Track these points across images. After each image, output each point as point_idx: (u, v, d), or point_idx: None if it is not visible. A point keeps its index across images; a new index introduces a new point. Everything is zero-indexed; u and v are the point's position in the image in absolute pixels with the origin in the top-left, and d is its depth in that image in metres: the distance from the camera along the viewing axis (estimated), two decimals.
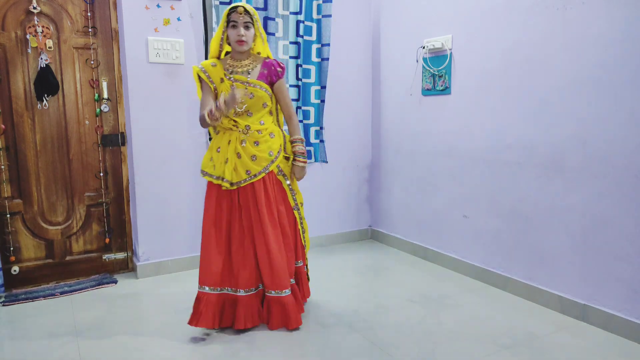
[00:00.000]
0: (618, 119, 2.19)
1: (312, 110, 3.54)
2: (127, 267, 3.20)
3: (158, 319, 2.48)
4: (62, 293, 2.80)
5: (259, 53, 2.38)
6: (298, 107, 3.47)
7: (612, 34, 2.19)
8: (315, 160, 3.61)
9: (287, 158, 2.40)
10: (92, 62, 2.94)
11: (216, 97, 2.27)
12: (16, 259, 2.86)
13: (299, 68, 3.42)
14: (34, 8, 2.74)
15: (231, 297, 2.31)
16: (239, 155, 2.24)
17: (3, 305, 2.64)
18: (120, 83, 3.02)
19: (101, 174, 3.05)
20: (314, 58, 3.49)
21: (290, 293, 2.32)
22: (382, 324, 2.38)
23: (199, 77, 2.30)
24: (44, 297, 2.74)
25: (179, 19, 2.99)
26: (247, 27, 2.21)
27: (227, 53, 2.37)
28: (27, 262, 2.90)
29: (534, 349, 2.14)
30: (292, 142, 2.41)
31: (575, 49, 2.34)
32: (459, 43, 3.00)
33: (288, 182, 2.39)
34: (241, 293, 2.29)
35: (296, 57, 3.41)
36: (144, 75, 2.94)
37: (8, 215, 2.82)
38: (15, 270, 2.86)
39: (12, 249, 2.84)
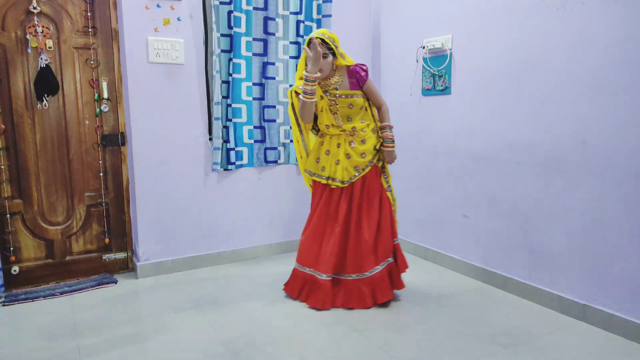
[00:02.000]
0: (618, 119, 2.19)
1: None
2: (127, 267, 3.20)
3: (158, 319, 2.48)
4: (62, 293, 2.80)
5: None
6: None
7: (611, 33, 2.19)
8: None
9: (374, 148, 2.65)
10: (92, 62, 2.94)
11: (315, 110, 2.59)
12: (16, 259, 2.86)
13: None
14: (34, 8, 2.74)
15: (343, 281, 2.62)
16: (348, 156, 2.58)
17: (3, 305, 2.64)
18: (120, 83, 3.02)
19: (101, 174, 3.05)
20: None
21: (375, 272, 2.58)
22: (382, 324, 2.39)
23: (298, 93, 2.57)
24: (44, 297, 2.74)
25: (179, 19, 2.99)
26: (324, 56, 2.47)
27: None
28: (27, 262, 2.90)
29: (533, 348, 2.14)
30: (381, 128, 2.65)
31: (575, 49, 2.34)
32: (459, 43, 3.00)
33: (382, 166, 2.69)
34: (352, 277, 2.60)
35: (296, 57, 3.41)
36: (144, 75, 2.94)
37: (8, 215, 2.82)
38: (15, 270, 2.86)
39: (12, 249, 2.84)
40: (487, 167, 2.87)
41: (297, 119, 2.67)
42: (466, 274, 3.05)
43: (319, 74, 2.42)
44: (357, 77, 2.55)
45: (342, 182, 2.57)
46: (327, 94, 2.56)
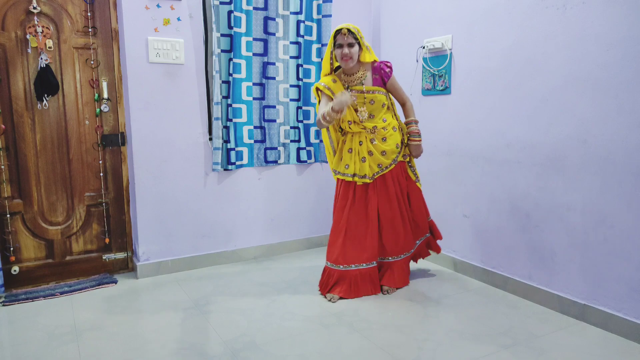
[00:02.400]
0: (618, 118, 2.19)
1: (312, 110, 3.54)
2: (127, 267, 3.20)
3: (158, 319, 2.48)
4: (62, 293, 2.80)
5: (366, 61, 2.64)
6: (299, 107, 3.48)
7: (612, 33, 2.19)
8: (316, 160, 3.61)
9: (402, 143, 2.74)
10: (92, 62, 2.94)
11: None
12: (16, 259, 2.86)
13: (300, 68, 3.42)
14: (34, 8, 2.74)
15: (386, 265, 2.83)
16: (370, 153, 2.64)
17: (3, 305, 2.64)
18: (120, 83, 3.02)
19: (101, 174, 3.05)
20: (314, 58, 3.49)
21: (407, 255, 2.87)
22: (382, 324, 2.39)
23: (320, 90, 2.65)
24: (44, 297, 2.74)
25: (179, 19, 2.99)
26: (350, 45, 2.52)
27: (337, 68, 2.72)
28: (27, 262, 2.90)
29: (533, 348, 2.14)
30: (407, 123, 2.76)
31: (576, 49, 2.34)
32: (459, 43, 3.00)
33: (409, 161, 2.80)
34: (395, 259, 2.82)
35: (297, 57, 3.41)
36: (144, 75, 2.94)
37: (8, 215, 2.82)
38: (15, 270, 2.86)
39: (12, 249, 2.84)
40: (487, 167, 2.87)
41: None
42: (466, 274, 3.05)
43: (338, 116, 2.42)
44: (382, 74, 2.61)
45: (369, 178, 2.64)
46: (349, 89, 2.61)
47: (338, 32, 2.52)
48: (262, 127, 3.37)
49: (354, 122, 2.63)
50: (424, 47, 3.22)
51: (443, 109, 3.15)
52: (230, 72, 3.12)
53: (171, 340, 2.23)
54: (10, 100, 2.76)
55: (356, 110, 2.62)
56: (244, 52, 3.17)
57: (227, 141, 3.19)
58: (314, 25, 3.44)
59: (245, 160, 3.30)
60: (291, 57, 3.40)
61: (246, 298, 2.73)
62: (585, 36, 2.30)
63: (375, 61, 2.65)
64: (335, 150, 2.79)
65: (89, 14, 2.90)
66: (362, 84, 2.60)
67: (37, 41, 2.76)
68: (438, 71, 3.15)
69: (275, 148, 3.43)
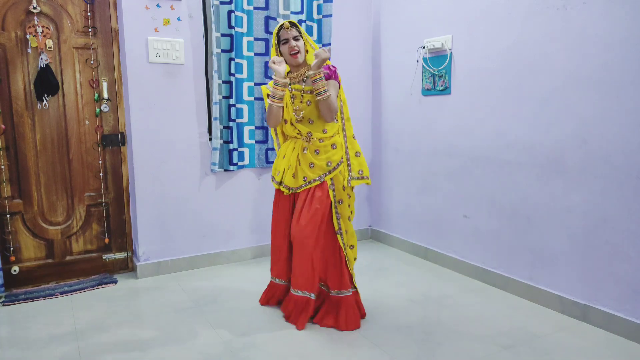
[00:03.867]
0: (619, 119, 2.19)
1: None
2: (127, 267, 3.20)
3: (158, 319, 2.47)
4: (62, 293, 2.80)
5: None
6: None
7: (612, 33, 2.19)
8: None
9: (343, 188, 2.37)
10: (92, 62, 2.94)
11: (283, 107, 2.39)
12: (16, 259, 2.86)
13: None
14: (34, 8, 2.74)
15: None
16: (299, 162, 2.36)
17: (3, 305, 2.64)
18: (120, 83, 3.02)
19: (101, 174, 3.05)
20: None
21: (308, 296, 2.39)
22: (382, 324, 2.38)
23: (267, 94, 2.39)
24: (44, 297, 2.74)
25: (179, 19, 2.99)
26: (296, 39, 2.30)
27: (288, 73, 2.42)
28: (27, 262, 2.90)
29: (534, 349, 2.13)
30: (312, 79, 2.26)
31: (576, 49, 2.34)
32: (459, 43, 3.00)
33: (336, 205, 2.36)
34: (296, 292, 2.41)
35: None
36: (144, 75, 2.94)
37: (8, 215, 2.82)
38: (15, 270, 2.86)
39: (12, 249, 2.84)
40: (487, 167, 2.86)
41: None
42: (466, 274, 3.05)
43: (287, 80, 2.29)
44: (325, 75, 2.30)
45: (289, 189, 2.37)
46: (290, 87, 2.36)
47: (280, 28, 2.31)
48: (263, 128, 3.37)
49: (290, 121, 2.37)
50: (424, 47, 3.22)
51: (443, 109, 3.15)
52: (232, 72, 3.12)
53: (171, 340, 2.23)
54: (10, 100, 2.76)
55: (295, 110, 2.36)
56: (245, 52, 3.17)
57: (229, 142, 3.19)
58: (315, 25, 3.44)
59: (246, 161, 3.30)
60: None
61: (246, 298, 2.72)
62: (585, 36, 2.29)
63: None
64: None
65: (89, 14, 2.90)
66: (303, 82, 2.34)
67: (37, 41, 2.76)
68: (438, 71, 3.14)
69: None
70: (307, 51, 2.37)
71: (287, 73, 2.40)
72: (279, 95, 2.30)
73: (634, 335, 2.18)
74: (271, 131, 2.62)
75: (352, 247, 2.42)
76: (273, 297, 2.61)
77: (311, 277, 2.33)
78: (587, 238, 2.36)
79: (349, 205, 2.41)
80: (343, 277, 2.36)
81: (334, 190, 2.35)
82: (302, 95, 2.34)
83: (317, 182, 2.32)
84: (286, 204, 2.44)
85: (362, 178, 2.42)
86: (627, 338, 2.20)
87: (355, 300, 2.42)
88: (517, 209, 2.70)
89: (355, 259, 2.45)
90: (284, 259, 2.50)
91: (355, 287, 2.44)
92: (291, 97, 2.36)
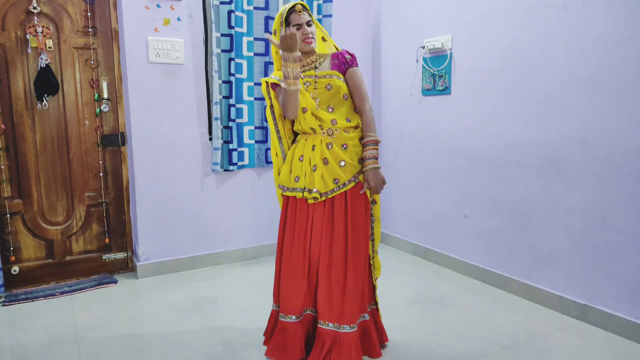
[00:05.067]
0: (618, 119, 2.19)
1: None
2: (127, 267, 3.20)
3: (158, 319, 2.47)
4: (62, 293, 2.80)
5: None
6: None
7: (612, 33, 2.19)
8: None
9: None
10: (92, 62, 2.94)
11: None
12: (16, 259, 2.86)
13: None
14: (34, 8, 2.74)
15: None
16: (325, 161, 1.94)
17: (3, 305, 2.64)
18: (120, 83, 3.02)
19: (101, 174, 3.05)
20: None
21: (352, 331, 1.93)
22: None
23: (273, 84, 2.01)
24: (44, 297, 2.74)
25: (179, 19, 2.99)
26: (309, 25, 1.96)
27: None
28: (27, 262, 2.90)
29: (534, 349, 2.14)
30: (363, 144, 1.97)
31: (576, 49, 2.34)
32: (459, 43, 3.00)
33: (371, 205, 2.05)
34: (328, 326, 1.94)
35: None
36: (144, 75, 2.94)
37: (8, 215, 2.82)
38: (15, 270, 2.86)
39: (12, 249, 2.84)
40: (487, 167, 2.87)
41: (276, 124, 2.09)
42: (466, 274, 3.05)
43: (299, 53, 1.85)
44: (340, 59, 2.01)
45: (320, 195, 1.93)
46: (302, 75, 1.99)
47: (291, 11, 1.94)
48: (263, 128, 3.37)
49: (309, 108, 1.96)
50: (424, 47, 3.22)
51: (443, 109, 3.15)
52: (232, 72, 3.12)
53: (171, 340, 2.23)
54: (10, 100, 2.76)
55: (313, 98, 2.00)
56: (245, 52, 3.17)
57: (228, 142, 3.19)
58: None
59: (246, 161, 3.30)
60: None
61: (246, 298, 2.72)
62: (585, 36, 2.29)
63: (336, 49, 2.11)
64: (284, 158, 2.10)
65: (89, 14, 2.90)
66: (316, 68, 2.00)
67: (37, 41, 2.76)
68: (438, 71, 3.15)
69: None
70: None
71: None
72: (293, 74, 1.83)
73: (633, 335, 2.18)
74: (272, 137, 2.12)
75: (376, 252, 2.13)
76: (289, 344, 1.97)
77: (361, 299, 1.98)
78: (587, 238, 2.36)
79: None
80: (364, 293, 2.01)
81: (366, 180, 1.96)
82: (315, 82, 1.97)
83: (353, 184, 1.95)
84: (310, 213, 1.97)
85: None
86: (626, 338, 2.20)
87: (372, 324, 2.08)
88: (517, 209, 2.70)
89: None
90: (307, 287, 1.97)
91: (376, 303, 2.15)
92: (305, 84, 1.98)
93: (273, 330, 2.07)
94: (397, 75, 3.53)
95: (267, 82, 2.03)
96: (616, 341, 2.19)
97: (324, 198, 1.94)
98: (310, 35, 1.96)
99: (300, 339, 1.98)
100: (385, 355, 2.08)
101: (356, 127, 2.00)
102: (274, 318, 2.08)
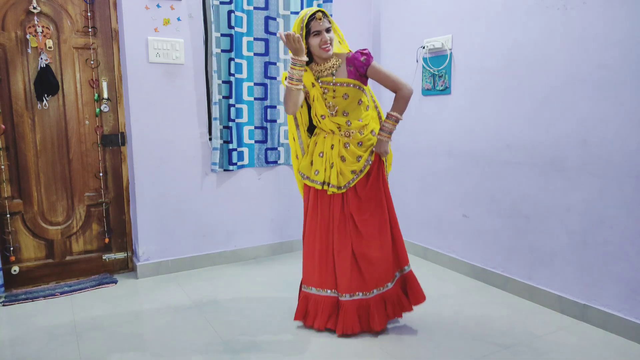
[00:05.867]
0: (618, 119, 2.19)
1: None
2: (127, 267, 3.20)
3: (158, 319, 2.48)
4: (62, 293, 2.80)
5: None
6: None
7: (612, 33, 2.19)
8: None
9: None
10: (92, 62, 2.94)
11: (306, 98, 2.30)
12: (16, 259, 2.86)
13: None
14: (34, 8, 2.74)
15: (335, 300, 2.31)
16: (343, 159, 2.24)
17: (3, 305, 2.64)
18: (120, 83, 3.02)
19: (101, 174, 3.05)
20: None
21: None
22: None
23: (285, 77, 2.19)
24: (44, 297, 2.74)
25: (179, 19, 2.99)
26: (328, 31, 2.13)
27: (308, 62, 2.24)
28: (27, 262, 2.90)
29: (533, 348, 2.14)
30: (387, 115, 2.26)
31: (576, 49, 2.34)
32: (459, 43, 3.00)
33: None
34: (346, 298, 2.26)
35: None
36: (144, 75, 2.94)
37: (8, 215, 2.82)
38: (15, 270, 2.86)
39: (12, 249, 2.84)
40: (487, 167, 2.87)
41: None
42: (466, 274, 3.05)
43: (305, 58, 2.07)
44: (356, 64, 2.19)
45: (338, 188, 2.24)
46: (319, 81, 2.21)
47: (312, 18, 2.09)
48: (263, 128, 3.37)
49: (327, 115, 2.24)
50: (424, 47, 3.22)
51: (443, 109, 3.15)
52: (232, 72, 3.12)
53: (171, 340, 2.23)
54: (10, 100, 2.76)
55: (328, 104, 2.24)
56: (245, 52, 3.17)
57: (228, 141, 3.19)
58: None
59: (246, 161, 3.30)
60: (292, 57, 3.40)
61: (246, 298, 2.73)
62: (585, 36, 2.30)
63: (350, 52, 2.26)
64: (304, 151, 2.37)
65: (89, 14, 2.90)
66: (333, 75, 2.19)
67: (37, 41, 2.76)
68: (438, 71, 3.15)
69: (276, 148, 3.43)
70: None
71: (313, 65, 2.23)
72: (297, 76, 2.07)
73: (632, 335, 2.18)
74: (290, 123, 2.37)
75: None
76: (319, 314, 2.29)
77: (388, 267, 2.29)
78: (586, 238, 2.36)
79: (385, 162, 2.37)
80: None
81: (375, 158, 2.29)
82: (334, 90, 2.20)
83: (368, 167, 2.26)
84: (333, 199, 2.27)
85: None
86: (625, 337, 2.21)
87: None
88: (516, 209, 2.70)
89: None
90: (332, 266, 2.27)
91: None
92: (323, 91, 2.21)
93: (305, 309, 2.34)
94: (397, 75, 3.52)
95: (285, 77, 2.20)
96: (615, 341, 2.20)
97: (343, 190, 2.25)
98: (329, 43, 2.13)
99: (328, 310, 2.29)
100: (385, 356, 2.09)
101: (368, 124, 2.28)
102: (303, 293, 2.36)
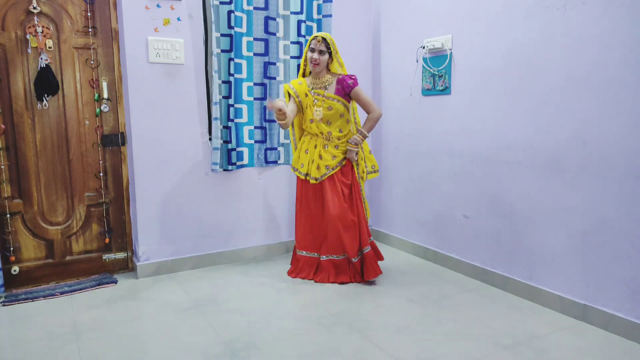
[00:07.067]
0: (618, 119, 2.19)
1: None
2: (127, 267, 3.20)
3: (158, 319, 2.48)
4: (62, 293, 2.80)
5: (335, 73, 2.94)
6: None
7: (612, 34, 2.19)
8: None
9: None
10: (92, 62, 2.94)
11: (300, 107, 2.92)
12: (16, 259, 2.86)
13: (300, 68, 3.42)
14: (34, 8, 2.74)
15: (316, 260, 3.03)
16: (321, 157, 2.89)
17: (3, 305, 2.64)
18: (120, 83, 3.02)
19: (101, 174, 3.05)
20: None
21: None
22: (382, 324, 2.38)
23: (288, 92, 2.92)
24: (44, 297, 2.74)
25: (179, 19, 2.99)
26: (321, 53, 2.80)
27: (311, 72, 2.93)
28: (27, 262, 2.90)
29: (534, 349, 2.14)
30: (357, 130, 2.97)
31: (576, 49, 2.34)
32: (459, 43, 3.00)
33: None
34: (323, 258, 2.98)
35: (297, 57, 3.41)
36: (144, 75, 2.94)
37: (8, 215, 2.82)
38: (15, 270, 2.86)
39: (12, 249, 2.84)
40: (487, 167, 2.87)
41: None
42: (466, 274, 3.05)
43: (289, 125, 2.78)
44: (343, 85, 2.84)
45: (315, 180, 2.89)
46: (312, 92, 2.87)
47: (314, 37, 2.80)
48: (263, 128, 3.37)
49: (314, 120, 2.88)
50: (424, 47, 3.22)
51: (443, 109, 3.15)
52: (231, 72, 3.12)
53: (171, 340, 2.23)
54: (10, 100, 2.76)
55: (316, 110, 2.87)
56: (244, 52, 3.17)
57: (228, 141, 3.19)
58: (315, 25, 3.44)
59: (245, 161, 3.30)
60: (292, 57, 3.40)
61: (246, 298, 2.73)
62: (585, 36, 2.30)
63: (342, 75, 2.89)
64: (296, 146, 3.06)
65: (89, 14, 2.90)
66: (325, 89, 2.86)
67: (37, 41, 2.76)
68: (438, 71, 3.15)
69: (275, 148, 3.43)
70: (331, 61, 2.87)
71: (311, 78, 2.92)
72: (284, 126, 2.74)
73: (633, 335, 2.18)
74: (289, 129, 3.11)
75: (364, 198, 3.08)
76: (303, 269, 3.03)
77: (355, 245, 2.91)
78: (587, 238, 2.36)
79: (363, 161, 3.02)
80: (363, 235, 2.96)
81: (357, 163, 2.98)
82: (323, 101, 2.85)
83: (339, 167, 2.90)
84: (312, 187, 2.95)
85: (375, 172, 3.09)
86: (626, 338, 2.20)
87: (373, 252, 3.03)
88: (516, 209, 2.70)
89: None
90: (315, 234, 2.97)
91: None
92: (314, 100, 2.86)
93: (296, 263, 3.09)
94: (397, 75, 3.53)
95: (286, 90, 2.94)
96: (616, 341, 2.19)
97: (320, 180, 2.90)
98: (317, 61, 2.80)
99: (312, 266, 3.02)
100: (385, 356, 2.09)
101: (346, 135, 2.94)
102: (295, 255, 3.11)
